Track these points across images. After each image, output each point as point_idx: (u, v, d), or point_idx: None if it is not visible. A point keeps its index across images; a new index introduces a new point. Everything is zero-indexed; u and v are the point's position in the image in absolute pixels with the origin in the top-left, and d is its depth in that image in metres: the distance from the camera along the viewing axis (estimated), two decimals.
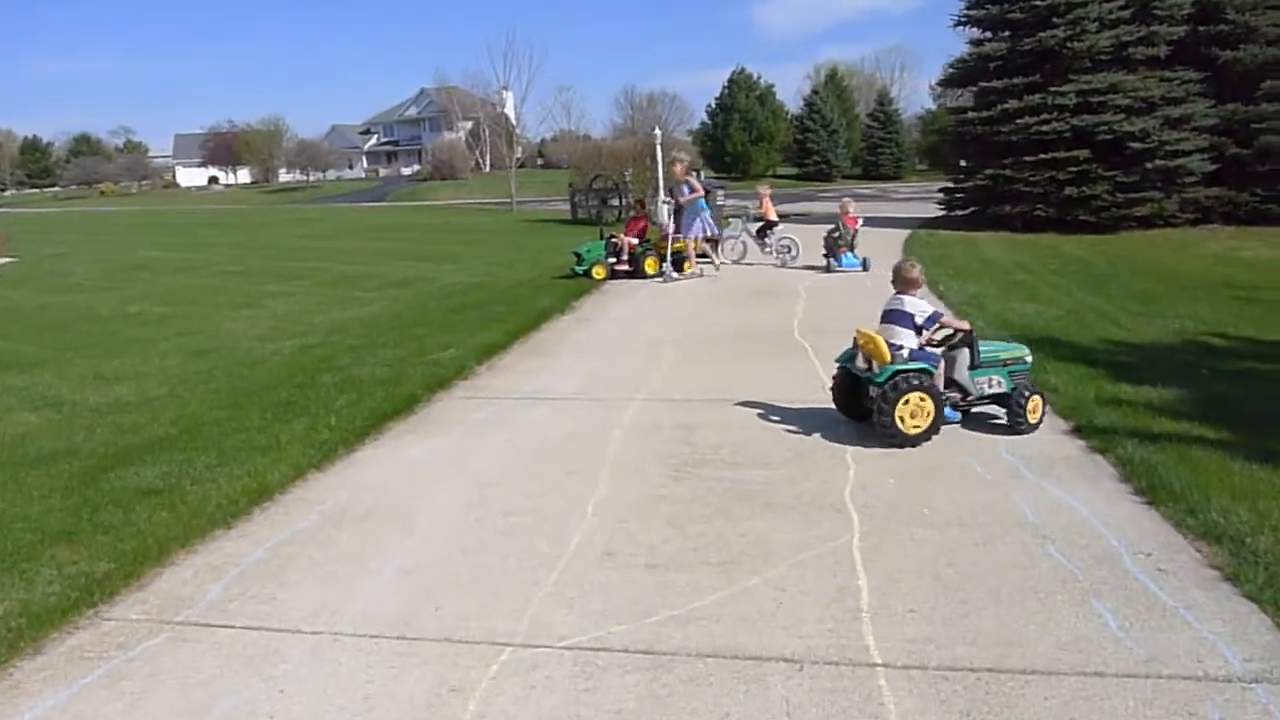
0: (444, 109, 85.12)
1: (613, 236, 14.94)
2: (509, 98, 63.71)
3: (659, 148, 25.73)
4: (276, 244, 26.39)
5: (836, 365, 6.61)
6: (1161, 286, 13.15)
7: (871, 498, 5.15)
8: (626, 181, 26.86)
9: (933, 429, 6.01)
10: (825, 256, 14.94)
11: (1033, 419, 6.27)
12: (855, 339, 6.43)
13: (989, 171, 21.62)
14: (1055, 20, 20.52)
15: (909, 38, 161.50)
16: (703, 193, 14.44)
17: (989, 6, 21.84)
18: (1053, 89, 20.52)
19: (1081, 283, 13.34)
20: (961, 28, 24.33)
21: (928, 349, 6.36)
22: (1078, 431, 6.22)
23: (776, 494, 5.24)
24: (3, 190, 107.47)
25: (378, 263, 19.71)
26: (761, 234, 16.46)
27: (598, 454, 6.07)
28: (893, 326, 6.38)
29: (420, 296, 13.76)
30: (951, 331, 6.55)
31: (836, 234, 14.87)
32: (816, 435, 6.33)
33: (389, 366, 8.67)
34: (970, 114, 22.55)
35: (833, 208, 31.63)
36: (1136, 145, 20.11)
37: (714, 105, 66.42)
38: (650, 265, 14.67)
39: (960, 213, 24.17)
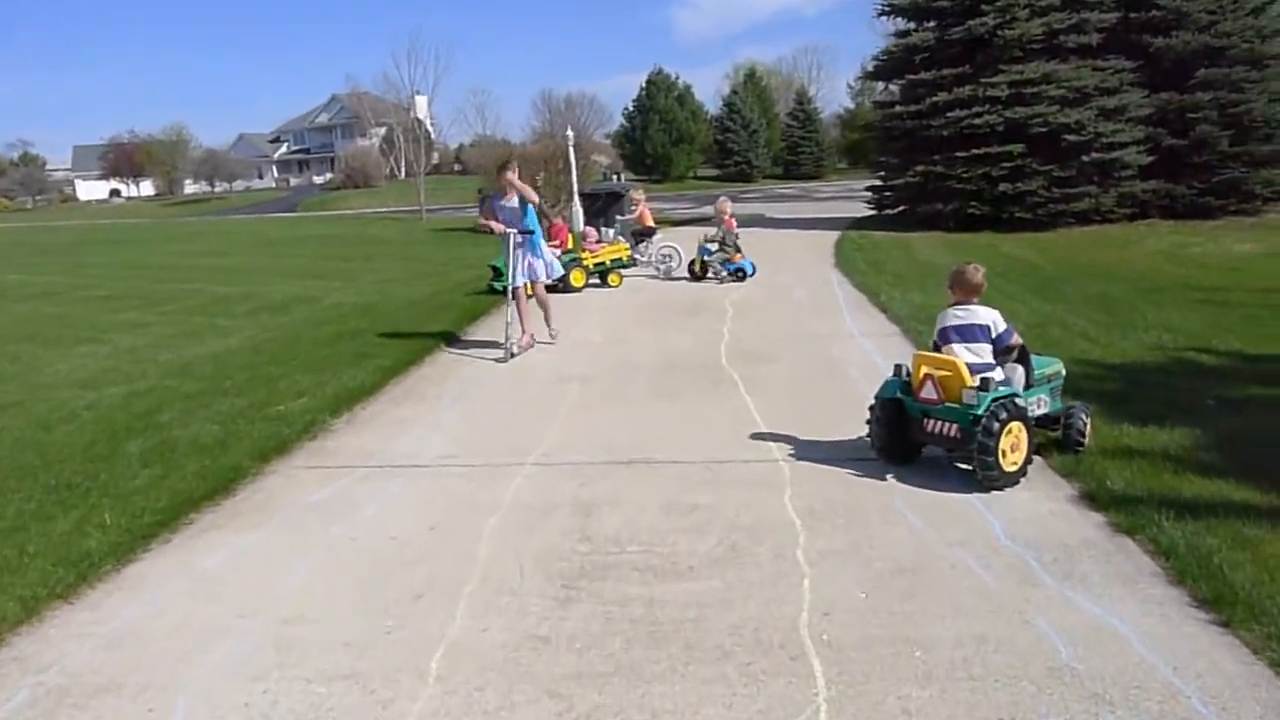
0: (356, 115, 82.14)
1: None
2: (421, 102, 61.43)
3: (572, 150, 24.26)
4: (158, 262, 24.10)
5: (877, 399, 5.46)
6: (1119, 290, 11.99)
7: (838, 628, 3.63)
8: (539, 186, 25.19)
9: (1027, 463, 5.08)
10: (697, 265, 13.74)
11: (1089, 442, 5.44)
12: (914, 364, 5.37)
13: (919, 168, 20.50)
14: (984, 7, 19.45)
15: (824, 37, 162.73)
16: (535, 215, 9.46)
17: None
18: (983, 80, 19.46)
19: (1033, 288, 12.11)
20: (885, 19, 23.28)
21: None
22: (1091, 500, 4.80)
23: (704, 627, 3.70)
24: None
25: (262, 281, 17.75)
26: (639, 242, 15.03)
27: (462, 559, 4.46)
28: (967, 344, 5.27)
29: (294, 324, 11.95)
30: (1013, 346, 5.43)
31: (718, 240, 13.54)
32: (754, 513, 4.81)
33: (220, 424, 6.92)
34: (898, 108, 21.40)
35: (755, 209, 30.67)
36: (1072, 138, 19.13)
37: (632, 107, 65.04)
38: (577, 278, 13.21)
39: (890, 212, 23.09)
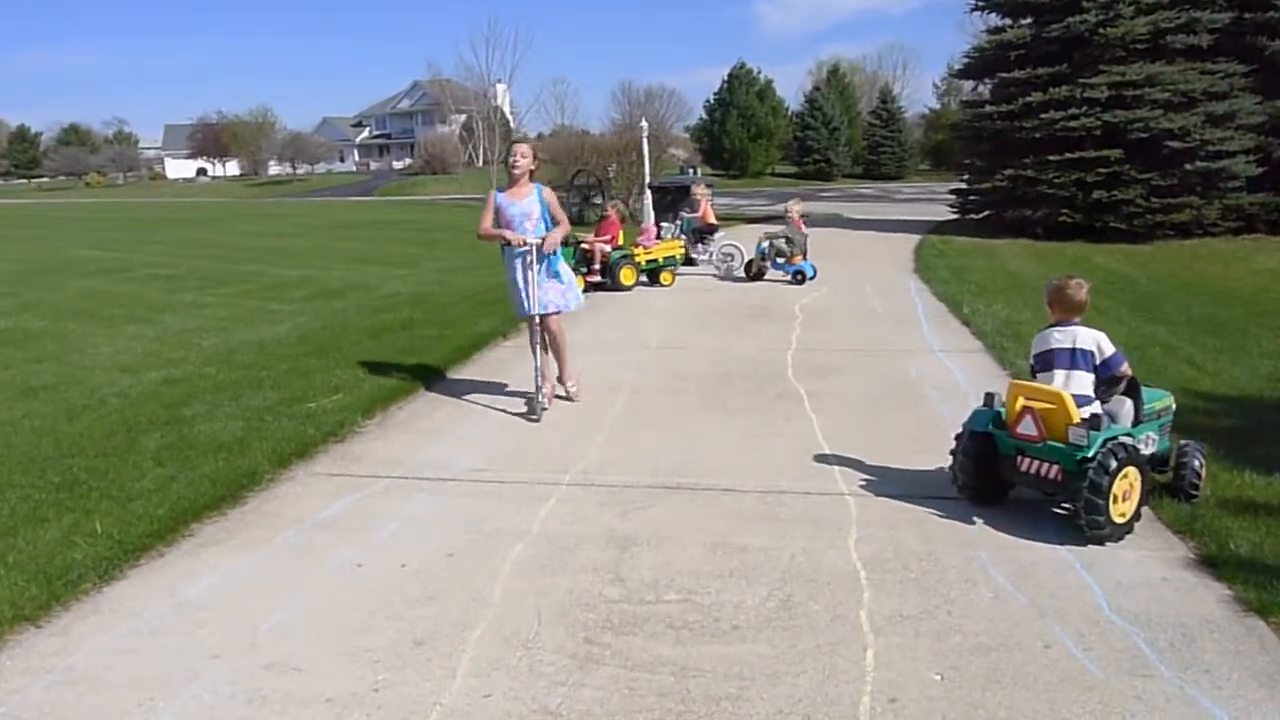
0: (437, 102, 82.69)
1: (580, 241, 12.77)
2: (500, 90, 61.49)
3: (646, 141, 23.65)
4: (228, 242, 24.17)
5: (968, 430, 4.74)
6: (1227, 311, 11.00)
7: None
8: (610, 178, 24.69)
9: (1137, 514, 4.40)
10: (754, 263, 13.33)
11: (1204, 487, 4.77)
12: (1010, 394, 4.65)
13: (1008, 171, 19.40)
14: (1085, 4, 18.30)
15: (911, 36, 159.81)
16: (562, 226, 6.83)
17: None
18: (1082, 80, 18.31)
19: (1131, 305, 11.18)
20: (977, 14, 22.23)
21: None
22: (1211, 566, 4.07)
23: (745, 708, 3.09)
24: None
25: (324, 265, 17.54)
26: (700, 240, 14.40)
27: (476, 599, 3.92)
28: (1070, 372, 4.57)
29: (346, 311, 11.59)
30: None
31: (784, 239, 12.97)
32: (812, 559, 4.19)
33: (245, 420, 6.51)
34: (988, 107, 20.31)
35: (833, 208, 29.79)
36: (1175, 144, 17.90)
37: (712, 101, 64.09)
38: (626, 275, 12.64)
39: (974, 216, 21.99)
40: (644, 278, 12.97)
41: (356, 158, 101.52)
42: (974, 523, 4.56)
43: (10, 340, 10.50)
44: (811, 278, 12.82)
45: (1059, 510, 4.64)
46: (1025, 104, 19.04)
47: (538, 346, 6.88)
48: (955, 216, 22.84)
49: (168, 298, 13.72)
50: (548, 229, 6.71)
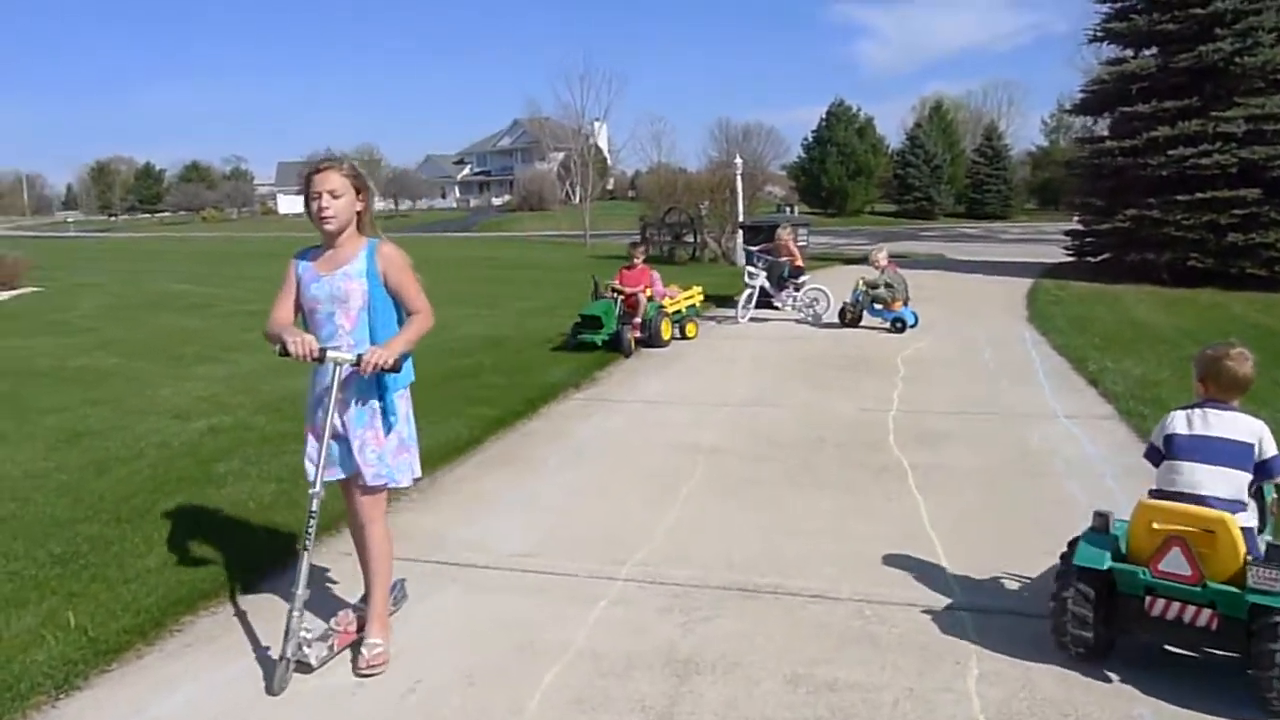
0: (536, 140, 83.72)
1: (616, 292, 11.50)
2: (601, 128, 61.64)
3: (739, 179, 22.90)
4: None
5: (1078, 568, 3.51)
6: None
7: None
8: (702, 215, 23.97)
9: None
10: (850, 310, 12.43)
11: None
12: (1140, 516, 3.47)
13: (1130, 212, 17.99)
14: (1219, 31, 16.91)
15: (1017, 72, 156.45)
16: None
17: (1134, 17, 18.33)
18: (1215, 114, 16.88)
19: None
20: (1093, 46, 20.97)
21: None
22: None
23: None
24: (112, 215, 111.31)
25: None
26: (782, 284, 13.41)
27: None
28: (1226, 470, 3.42)
29: (417, 355, 11.00)
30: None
31: (885, 284, 12.00)
32: (922, 707, 3.27)
33: (279, 481, 5.89)
34: (1109, 143, 18.98)
35: (935, 248, 28.54)
36: None
37: (810, 138, 63.17)
38: (666, 329, 11.40)
39: (1091, 259, 20.54)
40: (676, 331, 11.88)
41: (458, 194, 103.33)
42: (1111, 680, 3.52)
43: (79, 379, 10.22)
44: (913, 325, 11.81)
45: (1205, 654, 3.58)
46: (1150, 139, 17.66)
47: (306, 552, 3.55)
48: (1070, 259, 21.41)
49: (244, 336, 13.41)
50: (376, 333, 3.65)
